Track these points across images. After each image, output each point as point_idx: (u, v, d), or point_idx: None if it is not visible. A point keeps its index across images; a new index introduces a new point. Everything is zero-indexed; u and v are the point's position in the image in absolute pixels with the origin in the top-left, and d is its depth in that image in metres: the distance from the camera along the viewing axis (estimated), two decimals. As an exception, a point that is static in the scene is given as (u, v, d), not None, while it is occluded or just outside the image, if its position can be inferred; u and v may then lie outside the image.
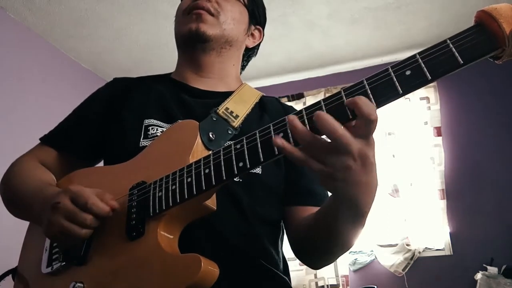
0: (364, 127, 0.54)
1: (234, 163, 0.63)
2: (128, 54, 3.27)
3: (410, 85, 0.53)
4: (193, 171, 0.68)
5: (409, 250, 3.02)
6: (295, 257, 0.90)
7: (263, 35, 1.13)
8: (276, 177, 0.91)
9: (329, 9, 2.85)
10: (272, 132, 0.61)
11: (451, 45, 0.52)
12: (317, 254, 0.85)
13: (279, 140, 0.56)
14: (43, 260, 0.82)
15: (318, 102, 0.58)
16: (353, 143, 0.54)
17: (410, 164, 3.21)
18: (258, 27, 1.11)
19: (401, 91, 0.53)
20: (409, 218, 3.12)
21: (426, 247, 3.06)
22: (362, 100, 0.53)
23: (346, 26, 3.06)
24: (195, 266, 0.62)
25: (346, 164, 0.55)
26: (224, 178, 0.64)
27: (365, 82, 0.56)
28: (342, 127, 0.54)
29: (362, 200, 0.62)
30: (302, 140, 0.56)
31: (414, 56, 0.54)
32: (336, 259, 0.85)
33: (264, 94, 1.05)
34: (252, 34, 1.09)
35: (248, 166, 0.61)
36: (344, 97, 0.56)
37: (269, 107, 1.00)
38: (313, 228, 0.80)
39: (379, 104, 0.55)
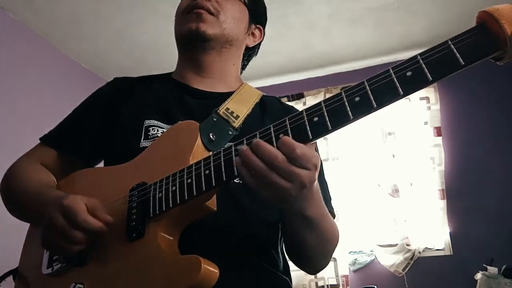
0: (297, 163, 0.58)
1: (235, 165, 0.63)
2: (128, 54, 3.27)
3: (411, 86, 0.53)
4: (193, 172, 0.68)
5: (409, 250, 3.02)
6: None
7: (264, 34, 1.12)
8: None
9: (329, 9, 2.85)
10: (273, 133, 0.61)
11: (452, 46, 0.52)
12: (304, 258, 0.86)
13: (238, 159, 0.60)
14: (44, 261, 0.82)
15: (318, 104, 0.59)
16: (298, 173, 0.58)
17: (410, 164, 3.21)
18: (258, 26, 1.10)
19: (402, 92, 0.53)
20: (409, 218, 3.12)
21: (426, 247, 3.06)
22: (282, 141, 0.58)
23: (346, 26, 3.06)
24: (195, 267, 0.62)
25: (298, 192, 0.60)
26: (224, 179, 0.64)
27: (365, 83, 0.56)
28: (282, 155, 0.58)
29: (311, 210, 0.68)
30: (251, 166, 0.59)
31: (415, 57, 0.54)
32: (324, 262, 0.87)
33: (265, 94, 1.05)
34: (253, 33, 1.09)
35: (249, 167, 0.61)
36: (345, 98, 0.56)
37: (269, 107, 1.00)
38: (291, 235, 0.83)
39: (380, 105, 0.54)
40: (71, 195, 0.74)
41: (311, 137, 0.58)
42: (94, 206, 0.73)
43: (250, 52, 1.13)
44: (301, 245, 0.78)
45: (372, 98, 0.54)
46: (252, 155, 0.59)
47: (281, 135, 0.59)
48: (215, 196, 0.71)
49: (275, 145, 0.59)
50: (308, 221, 0.70)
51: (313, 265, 0.88)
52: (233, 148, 0.64)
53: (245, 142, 0.63)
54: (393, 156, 3.28)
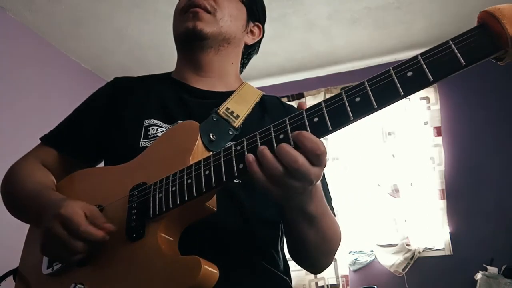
0: (314, 160, 0.57)
1: (234, 165, 0.63)
2: (128, 54, 3.27)
3: (411, 87, 0.53)
4: (193, 173, 0.68)
5: (409, 250, 3.02)
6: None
7: (263, 32, 1.12)
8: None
9: (329, 9, 2.85)
10: (273, 134, 0.60)
11: (453, 46, 0.51)
12: (307, 257, 0.86)
13: (251, 157, 0.59)
14: (44, 261, 0.82)
15: (319, 104, 0.58)
16: (311, 172, 0.57)
17: (410, 164, 3.22)
18: (257, 23, 1.09)
19: (402, 93, 0.53)
20: (409, 218, 3.12)
21: (426, 247, 3.06)
22: (304, 136, 0.56)
23: (346, 26, 3.06)
24: (195, 268, 0.61)
25: (304, 189, 0.60)
26: (224, 179, 0.63)
27: (366, 83, 0.55)
28: (302, 156, 0.56)
29: (312, 207, 0.68)
30: (267, 168, 0.58)
31: (416, 57, 0.53)
32: (327, 262, 0.87)
33: (265, 93, 1.05)
34: (251, 31, 1.08)
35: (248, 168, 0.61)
36: (346, 99, 0.56)
37: (269, 107, 1.00)
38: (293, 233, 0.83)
39: (380, 105, 0.54)
40: (69, 203, 0.73)
41: None
42: (92, 214, 0.72)
43: (249, 50, 1.12)
44: (303, 244, 0.78)
45: (372, 99, 0.54)
46: (269, 156, 0.58)
47: (295, 132, 0.58)
48: (215, 196, 0.71)
49: (275, 146, 0.59)
50: (310, 218, 0.70)
51: (316, 265, 0.88)
52: (233, 148, 0.64)
53: (245, 142, 0.63)
54: (393, 156, 3.28)
